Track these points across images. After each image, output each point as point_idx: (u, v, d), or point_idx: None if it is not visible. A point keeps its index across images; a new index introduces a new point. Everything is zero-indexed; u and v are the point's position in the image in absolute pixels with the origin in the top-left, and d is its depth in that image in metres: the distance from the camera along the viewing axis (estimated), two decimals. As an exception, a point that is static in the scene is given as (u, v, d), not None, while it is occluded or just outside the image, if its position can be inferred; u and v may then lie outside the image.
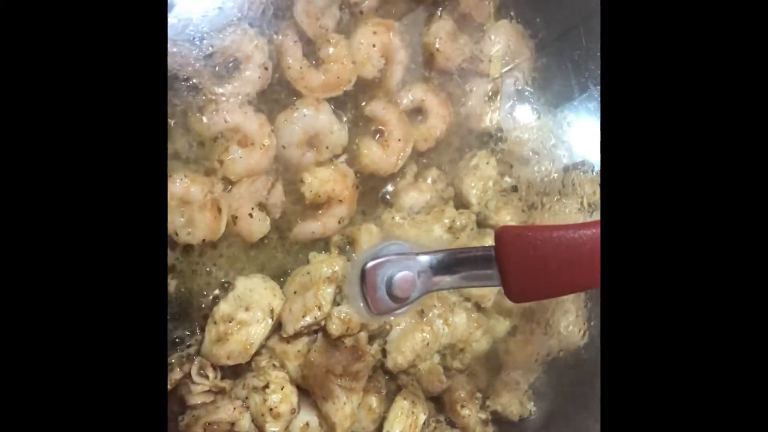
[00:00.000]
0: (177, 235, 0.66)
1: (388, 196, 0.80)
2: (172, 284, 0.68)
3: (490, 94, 0.84)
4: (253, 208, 0.70)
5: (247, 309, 0.69)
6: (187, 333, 0.69)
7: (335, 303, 0.71)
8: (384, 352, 0.77)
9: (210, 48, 0.66)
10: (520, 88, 0.84)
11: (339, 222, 0.75)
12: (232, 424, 0.69)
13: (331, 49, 0.73)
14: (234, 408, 0.69)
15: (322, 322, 0.71)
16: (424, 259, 0.54)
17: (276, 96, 0.72)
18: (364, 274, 0.53)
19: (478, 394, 0.84)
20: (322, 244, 0.76)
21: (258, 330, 0.70)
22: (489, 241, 0.80)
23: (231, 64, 0.68)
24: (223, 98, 0.67)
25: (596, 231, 0.50)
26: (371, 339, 0.75)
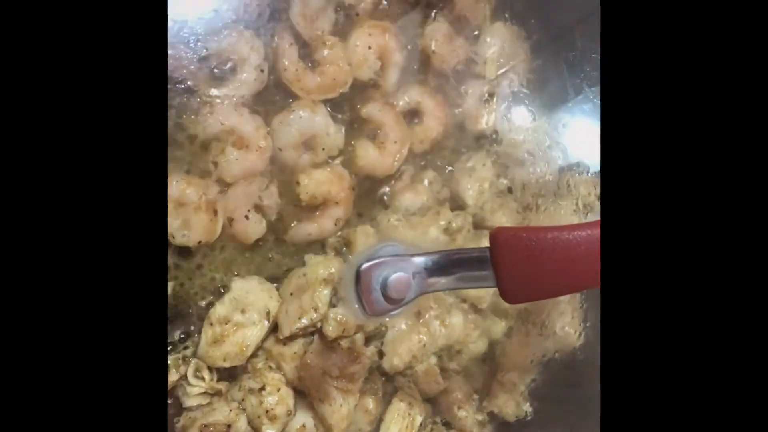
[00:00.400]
0: (173, 237, 0.66)
1: (384, 198, 0.80)
2: (168, 286, 0.68)
3: (486, 95, 0.84)
4: (249, 210, 0.70)
5: (243, 311, 0.69)
6: (183, 335, 0.69)
7: (331, 305, 0.71)
8: (380, 354, 0.77)
9: (205, 50, 0.66)
10: (515, 89, 0.85)
11: (335, 224, 0.75)
12: (229, 426, 0.69)
13: (326, 52, 0.73)
14: (230, 410, 0.69)
15: (319, 324, 0.71)
16: (419, 260, 0.54)
17: (272, 98, 0.72)
18: (359, 276, 0.53)
19: (475, 396, 0.84)
20: (318, 245, 0.76)
21: (254, 332, 0.70)
22: (485, 242, 0.80)
23: (227, 67, 0.68)
24: (218, 100, 0.67)
25: (591, 232, 0.50)
26: (368, 340, 0.75)
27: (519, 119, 0.85)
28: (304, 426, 0.72)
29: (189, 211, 0.66)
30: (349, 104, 0.76)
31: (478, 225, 0.83)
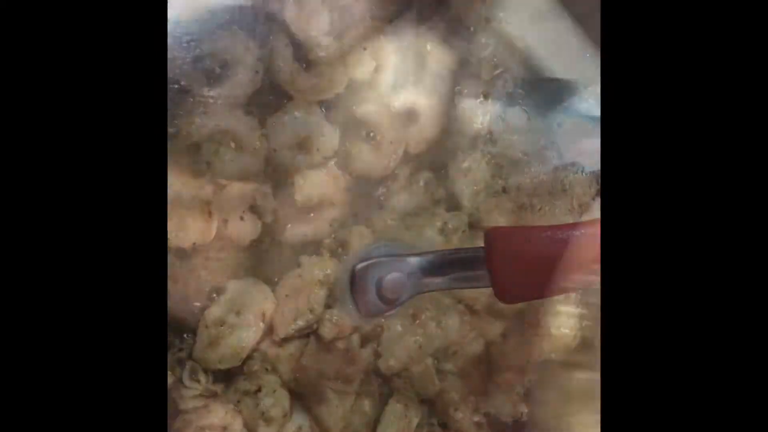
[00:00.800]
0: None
1: (380, 199, 0.80)
2: (163, 288, 0.68)
3: (481, 96, 0.84)
4: (243, 211, 0.70)
5: (238, 313, 0.69)
6: (178, 337, 0.69)
7: (327, 306, 0.71)
8: (377, 355, 0.76)
9: (199, 51, 0.66)
10: (510, 90, 0.85)
11: (331, 225, 0.75)
12: (225, 428, 0.69)
13: (321, 53, 0.73)
14: (226, 412, 0.69)
15: (315, 326, 0.71)
16: (414, 260, 0.54)
17: (267, 99, 0.72)
18: (354, 276, 0.53)
19: (471, 397, 0.84)
20: (313, 246, 0.75)
21: (249, 334, 0.69)
22: (481, 243, 0.80)
23: (221, 67, 0.68)
24: (212, 101, 0.67)
25: (586, 231, 0.50)
26: (364, 342, 0.75)
27: (514, 119, 0.85)
28: (300, 428, 0.72)
29: (183, 211, 0.66)
30: (344, 105, 0.76)
31: (474, 225, 0.83)
